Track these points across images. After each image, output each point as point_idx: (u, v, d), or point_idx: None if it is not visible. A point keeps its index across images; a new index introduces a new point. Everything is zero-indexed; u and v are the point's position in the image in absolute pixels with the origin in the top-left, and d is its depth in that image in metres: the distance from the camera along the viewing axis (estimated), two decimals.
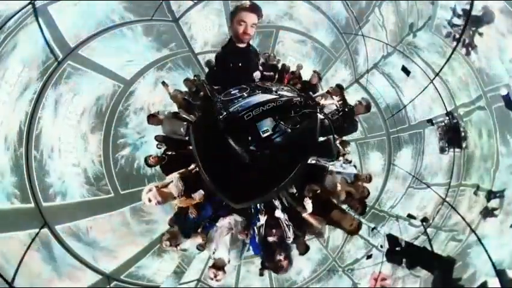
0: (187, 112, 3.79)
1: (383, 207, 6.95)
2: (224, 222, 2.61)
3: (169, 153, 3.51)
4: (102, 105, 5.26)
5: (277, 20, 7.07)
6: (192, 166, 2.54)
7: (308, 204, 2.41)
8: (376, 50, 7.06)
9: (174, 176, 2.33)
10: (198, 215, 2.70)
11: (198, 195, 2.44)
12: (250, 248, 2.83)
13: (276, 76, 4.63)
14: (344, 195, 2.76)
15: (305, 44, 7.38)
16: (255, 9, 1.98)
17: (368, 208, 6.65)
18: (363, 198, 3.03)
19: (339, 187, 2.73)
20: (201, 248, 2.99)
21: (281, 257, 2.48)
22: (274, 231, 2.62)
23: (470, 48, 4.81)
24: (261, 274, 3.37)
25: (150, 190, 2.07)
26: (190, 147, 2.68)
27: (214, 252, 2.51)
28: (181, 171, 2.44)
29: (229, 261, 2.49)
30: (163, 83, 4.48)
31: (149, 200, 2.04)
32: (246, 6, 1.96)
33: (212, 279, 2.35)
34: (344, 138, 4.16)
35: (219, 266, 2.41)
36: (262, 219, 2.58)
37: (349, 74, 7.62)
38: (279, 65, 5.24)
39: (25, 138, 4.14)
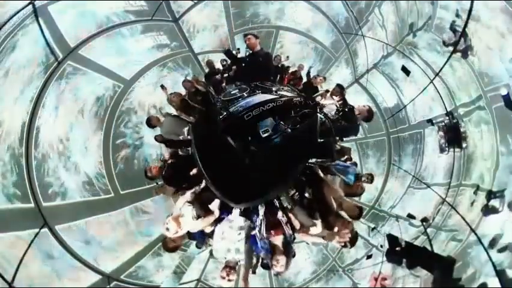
0: (186, 114, 3.79)
1: (383, 207, 6.94)
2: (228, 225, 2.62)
3: (169, 161, 3.49)
4: (102, 105, 5.26)
5: (277, 20, 7.06)
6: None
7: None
8: (376, 50, 7.05)
9: (182, 203, 2.48)
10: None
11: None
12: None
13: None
14: (343, 194, 2.75)
15: (305, 44, 7.37)
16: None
17: (368, 208, 6.70)
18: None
19: (338, 188, 2.72)
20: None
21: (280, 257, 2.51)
22: (273, 232, 2.63)
23: (468, 51, 4.83)
24: (254, 272, 3.38)
25: (167, 223, 2.27)
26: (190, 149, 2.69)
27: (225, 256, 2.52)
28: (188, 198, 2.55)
29: (239, 261, 2.51)
30: (162, 86, 4.48)
31: (167, 229, 2.27)
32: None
33: (224, 278, 2.37)
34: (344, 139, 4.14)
35: (231, 266, 2.43)
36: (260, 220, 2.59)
37: (349, 74, 7.61)
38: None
39: (25, 138, 4.14)
